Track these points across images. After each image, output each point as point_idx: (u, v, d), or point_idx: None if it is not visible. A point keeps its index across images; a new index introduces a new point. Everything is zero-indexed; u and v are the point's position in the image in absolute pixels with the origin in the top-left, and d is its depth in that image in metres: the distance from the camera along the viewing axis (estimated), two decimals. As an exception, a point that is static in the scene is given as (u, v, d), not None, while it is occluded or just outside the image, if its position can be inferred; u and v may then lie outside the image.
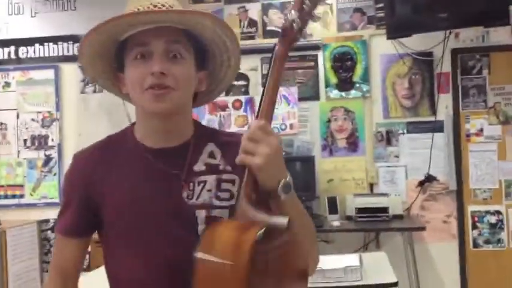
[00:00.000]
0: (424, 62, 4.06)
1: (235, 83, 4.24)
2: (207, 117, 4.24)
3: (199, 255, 0.99)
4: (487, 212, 4.04)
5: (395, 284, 2.36)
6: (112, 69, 1.22)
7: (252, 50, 4.12)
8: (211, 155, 1.22)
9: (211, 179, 1.19)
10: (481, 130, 4.07)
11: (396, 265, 2.79)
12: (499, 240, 4.04)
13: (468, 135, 4.09)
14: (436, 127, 4.04)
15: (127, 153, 1.21)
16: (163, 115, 1.15)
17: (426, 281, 3.95)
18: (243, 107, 4.25)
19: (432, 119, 4.05)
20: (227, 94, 4.24)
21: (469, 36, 4.06)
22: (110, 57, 1.20)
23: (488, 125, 4.06)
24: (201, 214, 1.16)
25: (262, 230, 0.97)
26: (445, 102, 4.07)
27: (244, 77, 4.24)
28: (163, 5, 1.15)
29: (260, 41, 4.18)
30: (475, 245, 4.07)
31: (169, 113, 1.15)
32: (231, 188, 1.19)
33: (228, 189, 1.19)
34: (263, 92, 1.10)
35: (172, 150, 1.19)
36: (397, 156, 4.10)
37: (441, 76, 4.06)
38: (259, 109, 1.10)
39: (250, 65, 4.22)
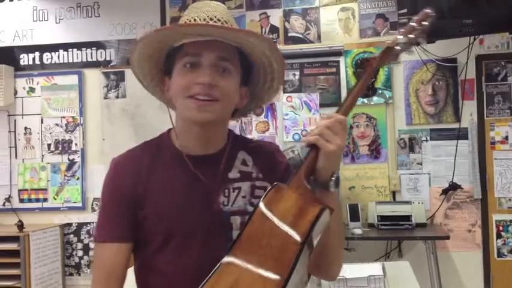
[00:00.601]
0: (448, 68, 4.01)
1: (257, 89, 4.23)
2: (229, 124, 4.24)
3: (261, 205, 1.05)
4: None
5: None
6: (159, 72, 1.27)
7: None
8: (244, 162, 1.27)
9: (245, 185, 1.24)
10: (506, 138, 4.00)
11: (419, 274, 2.75)
12: (524, 250, 3.96)
13: (493, 143, 4.03)
14: (460, 134, 3.98)
15: (165, 159, 1.24)
16: (203, 124, 1.19)
17: (450, 291, 3.90)
18: (264, 113, 4.24)
19: (456, 126, 3.99)
20: (248, 100, 4.23)
21: (494, 42, 4.01)
22: (159, 60, 1.24)
23: (514, 133, 3.99)
24: (236, 220, 1.20)
25: (326, 208, 1.03)
26: (469, 109, 4.02)
27: (266, 83, 4.23)
28: (219, 20, 1.19)
29: (281, 47, 4.16)
30: (500, 254, 3.99)
31: (209, 123, 1.19)
32: (262, 194, 1.19)
33: (260, 196, 1.19)
34: (348, 93, 1.23)
35: (209, 158, 1.23)
36: (420, 164, 4.05)
37: (465, 83, 4.00)
38: (341, 105, 1.21)
39: (271, 71, 4.20)
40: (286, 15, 4.23)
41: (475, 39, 3.87)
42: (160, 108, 4.78)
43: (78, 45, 4.45)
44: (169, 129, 1.29)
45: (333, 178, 1.13)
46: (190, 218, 1.19)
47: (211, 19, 1.18)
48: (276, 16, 4.24)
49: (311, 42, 4.17)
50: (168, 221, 1.19)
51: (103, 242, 1.21)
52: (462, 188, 3.96)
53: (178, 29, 1.18)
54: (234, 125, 4.23)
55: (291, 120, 4.10)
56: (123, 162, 1.27)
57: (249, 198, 1.24)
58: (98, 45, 4.42)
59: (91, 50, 4.44)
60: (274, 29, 4.24)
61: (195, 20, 1.18)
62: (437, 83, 4.05)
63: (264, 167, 1.26)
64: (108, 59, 4.42)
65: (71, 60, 4.47)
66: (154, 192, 1.20)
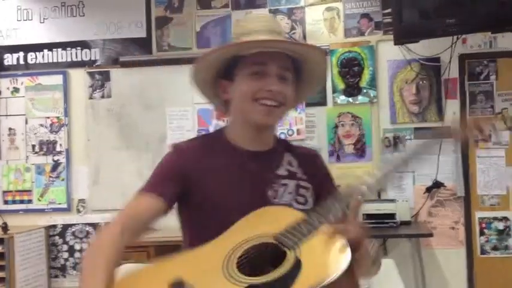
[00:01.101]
0: (431, 67, 4.06)
1: (243, 88, 4.24)
2: (214, 123, 4.25)
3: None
4: (495, 219, 4.02)
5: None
6: (216, 76, 1.40)
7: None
8: (290, 163, 1.40)
9: (291, 183, 1.36)
10: (489, 136, 4.05)
11: (403, 272, 2.78)
12: (506, 247, 4.02)
13: (476, 141, 4.07)
14: (444, 133, 4.02)
15: (220, 150, 1.37)
16: (266, 127, 1.35)
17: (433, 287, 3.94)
18: (250, 113, 4.25)
19: (439, 124, 4.04)
20: (234, 100, 4.25)
21: (476, 42, 4.05)
22: (219, 66, 1.37)
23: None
24: None
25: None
26: (452, 108, 4.06)
27: (252, 82, 4.25)
28: (278, 32, 1.36)
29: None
30: (483, 251, 4.05)
31: (270, 126, 1.37)
32: (305, 193, 1.37)
33: (303, 194, 1.37)
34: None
35: (262, 154, 1.37)
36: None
37: (448, 82, 4.05)
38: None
39: (257, 71, 4.22)
40: (272, 14, 4.24)
41: (458, 38, 3.92)
42: (146, 108, 4.79)
43: (63, 45, 4.43)
44: (224, 127, 1.44)
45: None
46: (238, 202, 1.28)
47: (272, 31, 1.34)
48: (261, 16, 4.25)
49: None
50: (218, 199, 1.28)
51: (144, 192, 1.31)
52: (445, 186, 4.00)
53: (259, 43, 1.32)
54: (220, 125, 4.24)
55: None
56: (183, 144, 1.41)
57: (294, 195, 1.35)
58: (83, 44, 4.40)
59: (76, 49, 4.42)
60: (259, 29, 4.25)
61: (256, 31, 1.34)
62: (421, 82, 4.09)
63: (306, 170, 1.40)
64: (93, 58, 4.40)
65: (55, 60, 4.44)
66: (210, 175, 1.31)
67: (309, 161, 1.43)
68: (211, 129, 4.26)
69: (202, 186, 1.31)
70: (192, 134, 4.27)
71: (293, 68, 1.38)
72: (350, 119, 4.15)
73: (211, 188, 1.31)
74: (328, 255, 1.13)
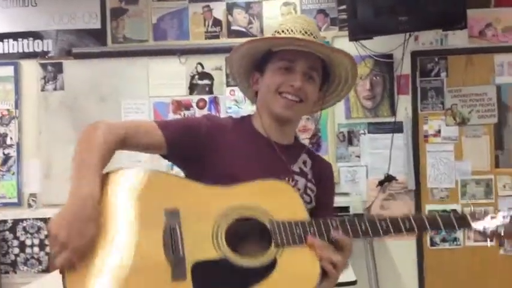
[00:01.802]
0: (384, 64, 4.15)
1: (200, 82, 4.24)
2: (171, 117, 4.23)
3: None
4: (444, 211, 4.15)
5: (354, 282, 2.41)
6: (251, 68, 1.48)
7: (216, 49, 4.13)
8: (304, 163, 1.46)
9: (302, 181, 1.42)
10: (439, 131, 4.18)
11: (356, 264, 2.85)
12: (455, 239, 4.16)
13: (426, 136, 4.20)
14: (396, 128, 4.13)
15: (246, 133, 1.43)
16: (285, 120, 1.40)
17: (385, 279, 4.05)
18: (207, 106, 4.25)
19: (392, 119, 4.14)
20: (191, 93, 4.23)
21: (428, 39, 4.17)
22: (256, 59, 1.45)
23: (446, 126, 4.17)
24: None
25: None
26: (404, 104, 4.17)
27: (208, 76, 4.25)
28: (311, 33, 1.41)
29: (224, 41, 4.18)
30: (432, 243, 4.18)
31: (290, 120, 1.42)
32: (311, 194, 1.44)
33: (309, 195, 1.43)
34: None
35: (281, 147, 1.43)
36: (358, 156, 4.18)
37: (401, 78, 4.15)
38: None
39: (214, 65, 4.22)
40: (230, 8, 4.24)
41: (410, 35, 4.02)
42: (100, 100, 4.71)
43: (14, 36, 4.30)
44: (251, 114, 1.50)
45: None
46: (255, 177, 1.31)
47: (305, 32, 1.39)
48: (219, 9, 4.24)
49: (254, 36, 4.20)
50: (234, 175, 1.30)
51: (157, 124, 1.34)
52: (397, 180, 4.11)
53: (289, 40, 1.39)
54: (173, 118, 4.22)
55: (234, 114, 4.12)
56: (212, 116, 1.50)
57: (302, 192, 1.41)
58: (35, 35, 4.28)
59: (28, 40, 4.30)
60: (217, 22, 4.25)
61: (292, 30, 1.40)
62: (374, 78, 4.18)
63: (316, 176, 1.47)
64: (45, 49, 4.29)
65: (6, 51, 4.31)
66: (228, 151, 1.35)
67: (322, 168, 1.51)
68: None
69: (220, 158, 1.34)
70: (148, 128, 4.23)
71: (323, 72, 1.45)
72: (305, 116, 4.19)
73: (228, 161, 1.34)
74: (299, 273, 1.18)
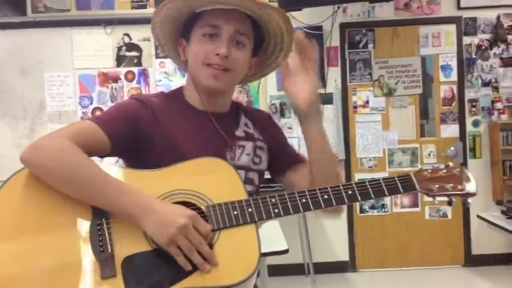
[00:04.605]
0: (314, 36, 4.17)
1: (128, 53, 4.11)
2: (98, 89, 4.09)
3: None
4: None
5: (286, 251, 2.44)
6: (177, 34, 1.35)
7: (143, 19, 3.99)
8: (246, 125, 1.39)
9: (249, 145, 1.35)
10: (367, 102, 4.29)
11: (288, 232, 2.89)
12: (383, 206, 4.32)
13: (355, 107, 4.29)
14: (326, 99, 4.19)
15: (181, 110, 1.33)
16: (215, 91, 1.30)
17: (318, 247, 4.15)
18: (136, 79, 4.13)
19: (322, 91, 4.19)
20: (118, 65, 4.10)
21: (356, 11, 4.23)
22: (180, 22, 1.33)
23: (374, 97, 4.28)
24: (241, 175, 1.26)
25: None
26: (334, 75, 4.23)
27: (137, 47, 4.12)
28: None
29: (152, 10, 4.04)
30: (362, 210, 4.32)
31: (220, 91, 1.31)
32: (261, 154, 1.37)
33: (259, 155, 1.36)
34: None
35: (219, 116, 1.33)
36: (290, 128, 4.22)
37: (330, 50, 4.20)
38: None
39: (142, 36, 4.10)
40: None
41: (338, 7, 4.06)
42: (22, 73, 4.48)
43: None
44: (182, 87, 1.39)
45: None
46: (200, 154, 1.23)
47: None
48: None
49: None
50: (175, 154, 1.22)
51: (94, 122, 1.19)
52: (328, 150, 4.18)
53: None
54: (105, 92, 4.09)
55: (164, 86, 4.04)
56: (142, 96, 1.36)
57: (252, 156, 1.35)
58: None
59: None
60: (144, -8, 4.11)
61: None
62: (305, 50, 4.20)
63: (261, 130, 1.40)
64: (-42, 19, 4.01)
65: None
66: (166, 127, 1.26)
67: (264, 121, 1.43)
68: (95, 96, 4.10)
69: (159, 144, 1.24)
70: (73, 101, 4.08)
71: (256, 34, 1.33)
72: (238, 86, 4.17)
73: (170, 144, 1.24)
74: (236, 256, 1.12)
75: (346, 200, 1.21)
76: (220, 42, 1.26)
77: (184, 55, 1.34)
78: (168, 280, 1.07)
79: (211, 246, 1.11)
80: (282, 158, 1.42)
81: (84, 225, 1.10)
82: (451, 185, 1.23)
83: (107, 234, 1.09)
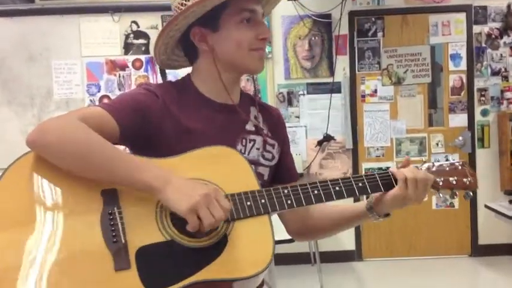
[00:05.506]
0: (323, 24, 4.15)
1: (135, 41, 4.10)
2: (105, 77, 4.08)
3: None
4: (380, 169, 4.27)
5: (292, 240, 2.43)
6: (187, 26, 1.27)
7: (152, 7, 3.99)
8: (256, 118, 1.36)
9: (259, 139, 1.33)
10: (375, 91, 4.26)
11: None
12: (390, 195, 4.30)
13: (363, 96, 4.27)
14: (334, 88, 4.17)
15: (190, 99, 1.29)
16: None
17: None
18: (143, 67, 4.13)
19: (330, 80, 4.17)
20: (126, 53, 4.09)
21: (365, -1, 4.19)
22: (198, 14, 1.25)
23: (382, 86, 4.26)
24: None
25: None
26: (342, 64, 4.20)
27: (144, 35, 4.11)
28: None
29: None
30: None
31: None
32: (272, 150, 1.35)
33: (270, 151, 1.34)
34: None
35: (231, 108, 1.31)
36: (298, 117, 4.21)
37: (339, 38, 4.17)
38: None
39: (150, 23, 4.08)
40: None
41: (348, -5, 4.03)
42: (29, 60, 4.48)
43: None
44: (189, 77, 1.33)
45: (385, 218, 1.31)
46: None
47: None
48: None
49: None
50: (185, 145, 1.19)
51: (105, 109, 1.16)
52: (335, 139, 4.18)
53: None
54: (112, 80, 4.09)
55: (171, 74, 4.02)
56: (153, 85, 1.30)
57: (262, 151, 1.33)
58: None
59: None
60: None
61: None
62: (313, 38, 4.18)
63: (270, 127, 1.37)
64: (-34, 6, 4.01)
65: None
66: (177, 118, 1.23)
67: (273, 119, 1.40)
68: (102, 84, 4.10)
69: (171, 135, 1.22)
70: (81, 89, 4.08)
71: None
72: (245, 75, 4.15)
73: (178, 136, 1.22)
74: (251, 246, 1.10)
75: (357, 192, 1.23)
76: (262, 26, 1.28)
77: (204, 44, 1.27)
78: (183, 272, 1.05)
79: (225, 237, 1.10)
80: (280, 169, 1.38)
81: (95, 214, 1.07)
82: (455, 178, 1.28)
83: (119, 224, 1.07)
